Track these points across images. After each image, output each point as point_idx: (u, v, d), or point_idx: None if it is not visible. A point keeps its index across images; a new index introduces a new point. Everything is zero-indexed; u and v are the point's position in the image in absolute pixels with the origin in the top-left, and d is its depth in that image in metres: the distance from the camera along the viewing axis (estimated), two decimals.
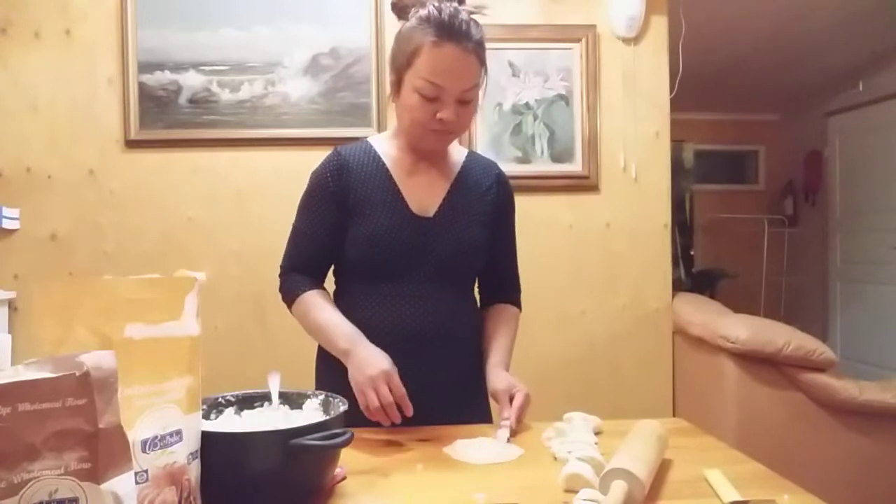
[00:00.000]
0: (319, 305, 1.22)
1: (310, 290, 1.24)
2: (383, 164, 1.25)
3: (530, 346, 2.66)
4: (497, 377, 1.22)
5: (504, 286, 1.39)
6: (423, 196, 1.24)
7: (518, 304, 1.40)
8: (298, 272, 1.27)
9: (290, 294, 1.26)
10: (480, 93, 1.20)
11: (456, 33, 1.11)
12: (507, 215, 1.36)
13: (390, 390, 1.08)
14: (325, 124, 2.58)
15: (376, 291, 1.21)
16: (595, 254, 2.73)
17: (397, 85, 1.18)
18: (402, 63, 1.16)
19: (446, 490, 0.87)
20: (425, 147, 1.23)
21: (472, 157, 1.35)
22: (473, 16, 1.16)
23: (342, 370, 1.14)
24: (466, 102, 1.17)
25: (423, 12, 1.13)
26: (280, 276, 1.30)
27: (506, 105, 2.68)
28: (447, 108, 1.14)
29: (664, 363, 2.76)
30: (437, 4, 1.13)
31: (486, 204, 1.29)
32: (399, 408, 1.08)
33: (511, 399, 1.15)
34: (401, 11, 1.19)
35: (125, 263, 2.51)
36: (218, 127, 2.56)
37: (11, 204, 2.49)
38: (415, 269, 1.21)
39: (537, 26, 2.69)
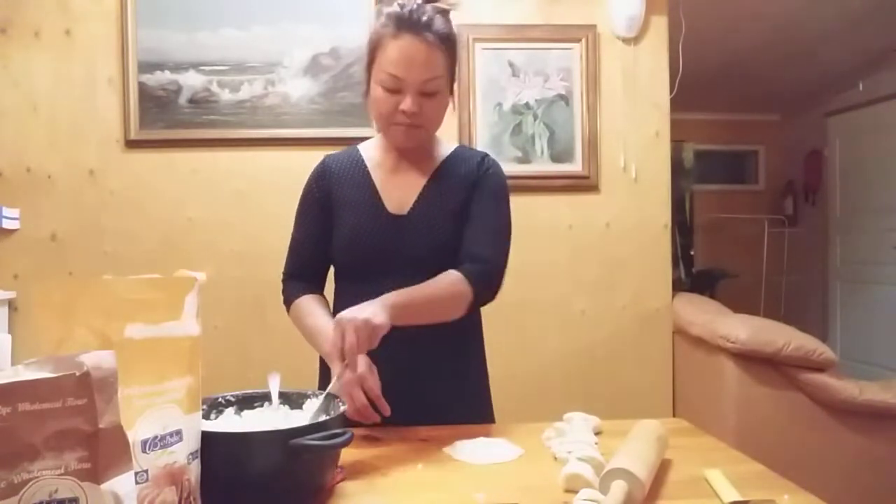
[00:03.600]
0: (309, 311, 1.24)
1: (303, 295, 1.27)
2: (364, 165, 1.28)
3: (530, 346, 2.67)
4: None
5: (463, 255, 1.21)
6: (400, 194, 1.25)
7: (470, 277, 1.17)
8: (296, 279, 1.31)
9: (286, 300, 1.31)
10: (455, 87, 1.23)
11: (414, 24, 1.13)
12: (483, 192, 1.26)
13: (365, 393, 1.02)
14: (325, 124, 2.58)
15: (359, 291, 1.18)
16: (595, 254, 2.73)
17: (367, 83, 1.21)
18: (368, 60, 1.19)
19: (446, 490, 0.87)
20: (395, 143, 1.25)
21: (459, 150, 1.32)
22: (446, 11, 1.18)
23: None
24: (430, 94, 1.16)
25: (387, 9, 1.16)
26: (282, 282, 1.34)
27: (506, 105, 2.68)
28: (408, 99, 1.15)
29: (664, 363, 2.76)
30: (401, 1, 1.16)
31: (462, 193, 1.25)
32: (377, 408, 1.03)
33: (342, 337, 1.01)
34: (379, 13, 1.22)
35: (125, 263, 2.51)
36: (218, 127, 2.56)
37: (11, 204, 2.49)
38: (392, 267, 1.21)
39: (537, 26, 2.69)
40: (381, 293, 1.13)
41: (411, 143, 1.24)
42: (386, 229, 1.22)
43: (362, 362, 1.02)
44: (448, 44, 1.17)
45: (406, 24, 1.13)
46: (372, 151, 1.30)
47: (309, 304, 1.25)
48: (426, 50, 1.14)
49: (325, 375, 1.29)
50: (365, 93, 1.23)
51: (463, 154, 1.32)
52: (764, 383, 2.28)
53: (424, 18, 1.14)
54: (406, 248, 1.21)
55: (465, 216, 1.24)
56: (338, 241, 1.25)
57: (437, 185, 1.26)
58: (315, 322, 1.21)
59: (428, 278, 1.17)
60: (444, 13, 1.18)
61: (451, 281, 1.16)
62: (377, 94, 1.17)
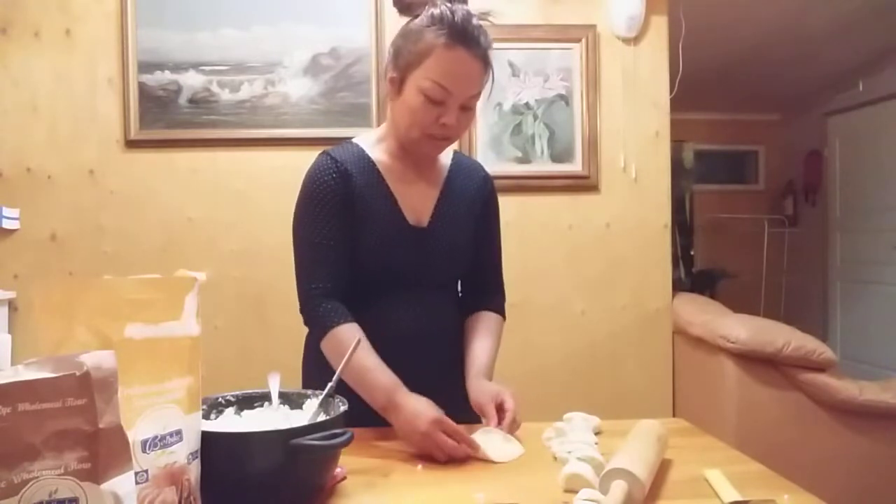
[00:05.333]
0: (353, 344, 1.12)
1: (343, 322, 1.14)
2: (378, 171, 1.22)
3: (530, 346, 2.67)
4: (478, 389, 1.16)
5: (487, 292, 1.35)
6: (416, 205, 1.23)
7: (502, 312, 1.35)
8: (328, 295, 1.16)
9: (321, 325, 1.14)
10: (480, 101, 1.19)
11: (469, 38, 1.10)
12: (493, 219, 1.35)
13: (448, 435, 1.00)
14: (325, 124, 2.58)
15: (369, 299, 1.19)
16: (595, 254, 2.73)
17: (400, 83, 1.15)
18: (409, 62, 1.12)
19: (446, 490, 0.87)
20: (419, 151, 1.20)
21: (458, 159, 1.32)
22: (481, 22, 1.14)
23: (331, 370, 1.07)
24: (468, 109, 1.15)
25: (435, 11, 1.10)
26: (309, 301, 1.17)
27: (506, 105, 2.68)
28: (450, 113, 1.12)
29: (664, 363, 2.76)
30: (449, 5, 1.11)
31: (474, 209, 1.29)
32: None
33: (498, 406, 1.10)
34: (405, 8, 1.15)
35: (125, 263, 2.51)
36: (218, 127, 2.56)
37: (11, 204, 2.49)
38: (409, 277, 1.21)
39: (537, 26, 2.69)
40: (394, 301, 1.19)
41: (436, 154, 1.24)
42: (409, 242, 1.20)
43: (431, 411, 1.02)
44: (489, 58, 1.15)
45: (461, 36, 1.08)
46: (380, 154, 1.23)
47: (356, 335, 1.10)
48: (477, 65, 1.11)
49: (308, 377, 1.28)
50: (395, 92, 1.16)
51: (463, 162, 1.33)
52: (764, 383, 2.28)
53: (476, 32, 1.10)
54: (428, 261, 1.21)
55: (479, 233, 1.29)
56: (361, 253, 1.17)
57: (449, 196, 1.26)
58: (360, 362, 1.09)
59: (439, 285, 1.25)
60: (483, 25, 1.14)
61: (499, 327, 1.32)
62: (416, 101, 1.11)
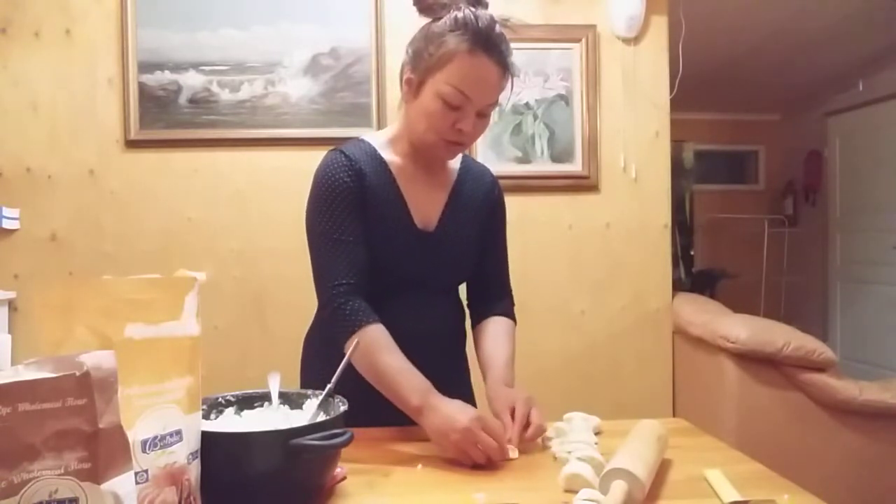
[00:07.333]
0: (384, 346, 1.09)
1: (370, 323, 1.11)
2: (390, 172, 1.21)
3: (530, 345, 2.66)
4: (494, 396, 1.15)
5: (496, 298, 1.35)
6: (424, 208, 1.22)
7: (511, 316, 1.35)
8: (355, 293, 1.13)
9: (349, 327, 1.10)
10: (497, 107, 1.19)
11: (492, 45, 1.09)
12: (500, 224, 1.35)
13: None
14: (325, 124, 2.58)
15: (372, 300, 1.17)
16: (595, 254, 2.73)
17: (418, 86, 1.13)
18: (429, 65, 1.10)
19: (446, 490, 0.87)
20: (433, 155, 1.20)
21: (466, 163, 1.32)
22: (502, 29, 1.14)
23: (330, 370, 1.03)
24: (484, 116, 1.15)
25: (458, 15, 1.09)
26: (333, 299, 1.12)
27: (506, 105, 2.68)
28: (467, 119, 1.11)
29: (664, 363, 2.76)
30: (473, 10, 1.10)
31: (482, 215, 1.29)
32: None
33: (512, 413, 1.08)
34: (426, 8, 1.13)
35: (125, 263, 2.51)
36: (218, 127, 2.56)
37: (11, 204, 2.49)
38: (414, 281, 1.21)
39: (537, 26, 2.69)
40: (400, 309, 1.17)
41: (449, 158, 1.24)
42: (415, 246, 1.19)
43: (465, 416, 0.98)
44: (509, 67, 1.15)
45: (484, 43, 1.08)
46: (392, 155, 1.22)
47: (379, 336, 1.10)
48: (498, 73, 1.12)
49: (307, 377, 1.28)
50: (412, 95, 1.14)
51: (471, 167, 1.32)
52: (764, 383, 2.28)
53: (499, 40, 1.10)
54: (433, 265, 1.21)
55: (485, 238, 1.30)
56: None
57: (458, 201, 1.26)
58: (392, 364, 1.08)
59: (443, 289, 1.25)
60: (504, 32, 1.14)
61: (512, 331, 1.33)
62: (434, 106, 1.10)
